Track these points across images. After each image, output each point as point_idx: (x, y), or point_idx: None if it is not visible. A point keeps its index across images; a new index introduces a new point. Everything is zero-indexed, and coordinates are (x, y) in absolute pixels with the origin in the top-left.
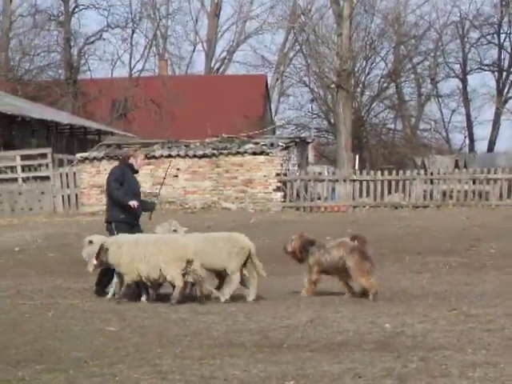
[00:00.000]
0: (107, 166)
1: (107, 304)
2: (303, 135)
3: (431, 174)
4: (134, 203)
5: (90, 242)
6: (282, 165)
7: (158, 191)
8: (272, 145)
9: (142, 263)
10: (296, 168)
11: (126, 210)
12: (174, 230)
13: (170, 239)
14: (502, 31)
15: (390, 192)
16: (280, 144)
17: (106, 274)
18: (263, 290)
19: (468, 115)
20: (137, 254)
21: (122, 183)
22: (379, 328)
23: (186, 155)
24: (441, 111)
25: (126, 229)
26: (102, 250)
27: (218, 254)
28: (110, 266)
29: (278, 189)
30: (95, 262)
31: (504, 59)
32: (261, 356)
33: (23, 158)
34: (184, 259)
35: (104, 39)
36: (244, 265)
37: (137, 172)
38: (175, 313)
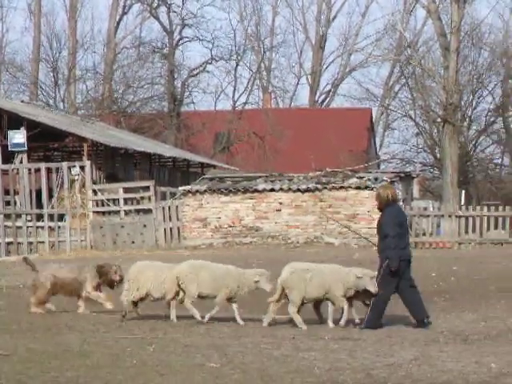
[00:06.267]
0: (210, 200)
1: (208, 339)
2: (408, 170)
3: None
4: None
5: None
6: None
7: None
8: (376, 179)
9: None
10: (401, 203)
11: None
12: None
13: None
14: None
15: (496, 228)
16: (384, 179)
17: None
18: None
19: None
20: None
21: None
22: (485, 368)
23: (289, 189)
24: None
25: None
26: None
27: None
28: None
29: None
30: None
31: None
32: None
33: (126, 190)
34: None
35: (208, 71)
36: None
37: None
38: (277, 349)
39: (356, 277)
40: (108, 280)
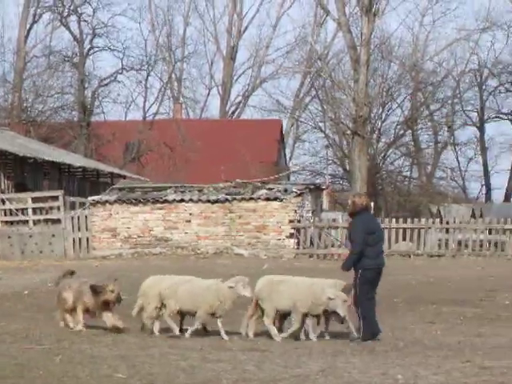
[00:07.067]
0: (119, 210)
1: (116, 350)
2: (318, 181)
3: (447, 222)
4: None
5: None
6: (295, 211)
7: None
8: (286, 191)
9: None
10: (310, 215)
11: None
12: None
13: None
14: None
15: (404, 240)
16: (294, 190)
17: None
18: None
19: (485, 164)
20: None
21: None
22: (391, 379)
23: (199, 200)
24: (457, 159)
25: None
26: None
27: None
28: None
29: (291, 235)
30: None
31: None
32: None
33: (34, 200)
34: None
35: (118, 81)
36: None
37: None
38: (184, 360)
39: (328, 298)
40: (102, 300)
